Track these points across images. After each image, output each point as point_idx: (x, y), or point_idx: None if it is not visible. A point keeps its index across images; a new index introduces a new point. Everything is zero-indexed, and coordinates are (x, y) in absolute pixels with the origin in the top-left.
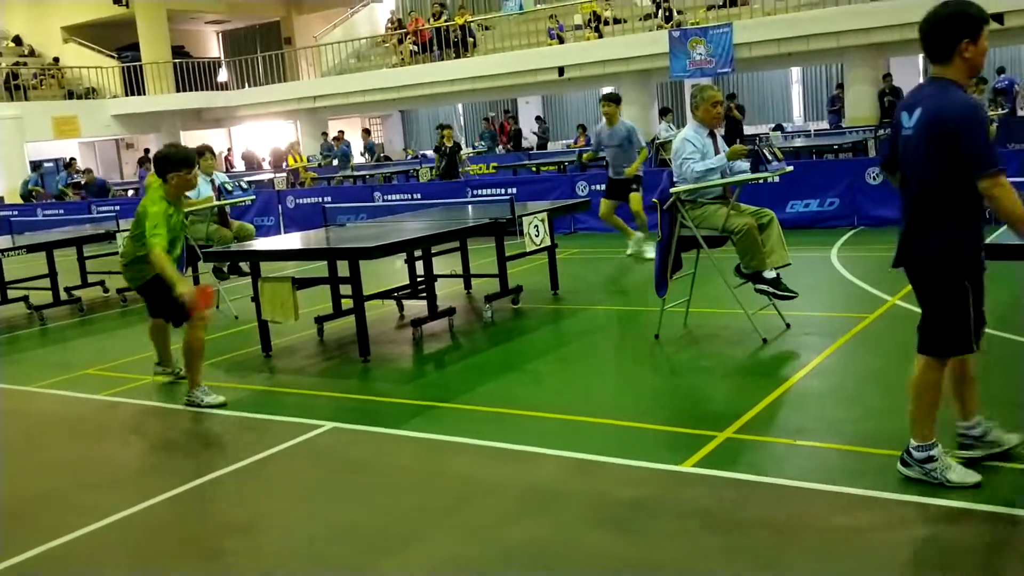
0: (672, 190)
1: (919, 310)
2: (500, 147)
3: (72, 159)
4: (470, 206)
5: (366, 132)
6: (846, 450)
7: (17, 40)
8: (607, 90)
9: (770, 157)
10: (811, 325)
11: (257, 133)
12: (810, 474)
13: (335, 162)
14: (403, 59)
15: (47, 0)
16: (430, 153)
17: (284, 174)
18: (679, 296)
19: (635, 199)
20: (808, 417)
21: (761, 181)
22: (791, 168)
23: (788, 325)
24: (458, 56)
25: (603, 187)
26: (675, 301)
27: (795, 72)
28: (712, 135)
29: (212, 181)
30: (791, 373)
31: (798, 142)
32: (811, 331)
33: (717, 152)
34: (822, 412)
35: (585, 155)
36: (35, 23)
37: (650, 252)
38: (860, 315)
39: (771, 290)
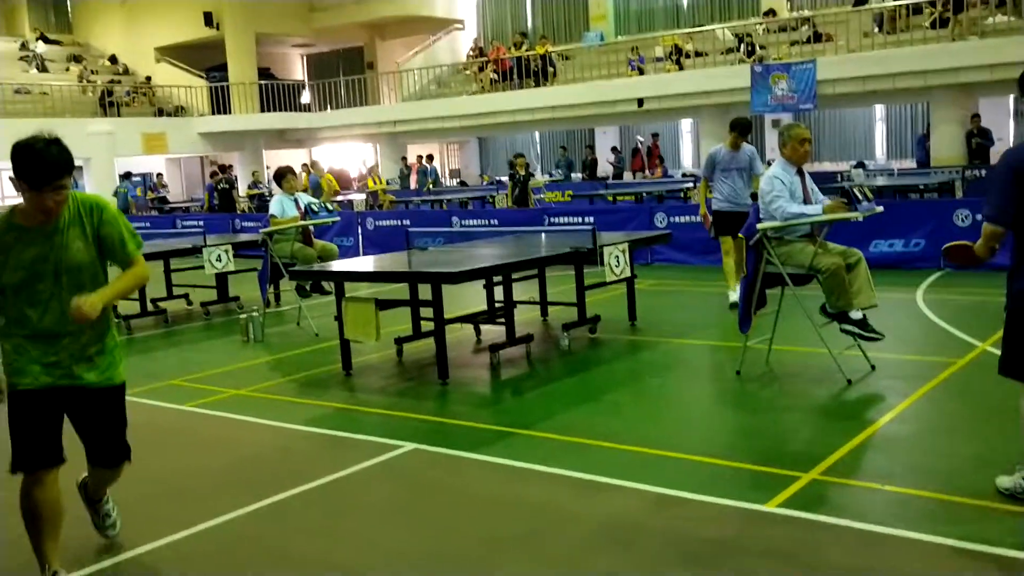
0: (759, 226)
1: None
2: (577, 175)
3: (159, 174)
4: (547, 234)
5: (429, 158)
6: (935, 498)
7: (113, 59)
8: (686, 122)
9: (860, 197)
10: (897, 368)
11: (336, 154)
12: (897, 521)
13: (414, 184)
14: (483, 87)
15: (143, 21)
16: (505, 179)
17: (363, 196)
18: (762, 333)
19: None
20: (895, 462)
21: (850, 221)
22: (881, 209)
23: (873, 367)
24: (537, 85)
25: (683, 218)
26: (758, 338)
27: (879, 109)
28: (800, 173)
29: (296, 201)
30: (877, 416)
31: (880, 181)
32: (897, 374)
33: (805, 190)
34: (910, 458)
35: (698, 186)
36: (130, 43)
37: (733, 296)
38: (948, 360)
39: (857, 331)
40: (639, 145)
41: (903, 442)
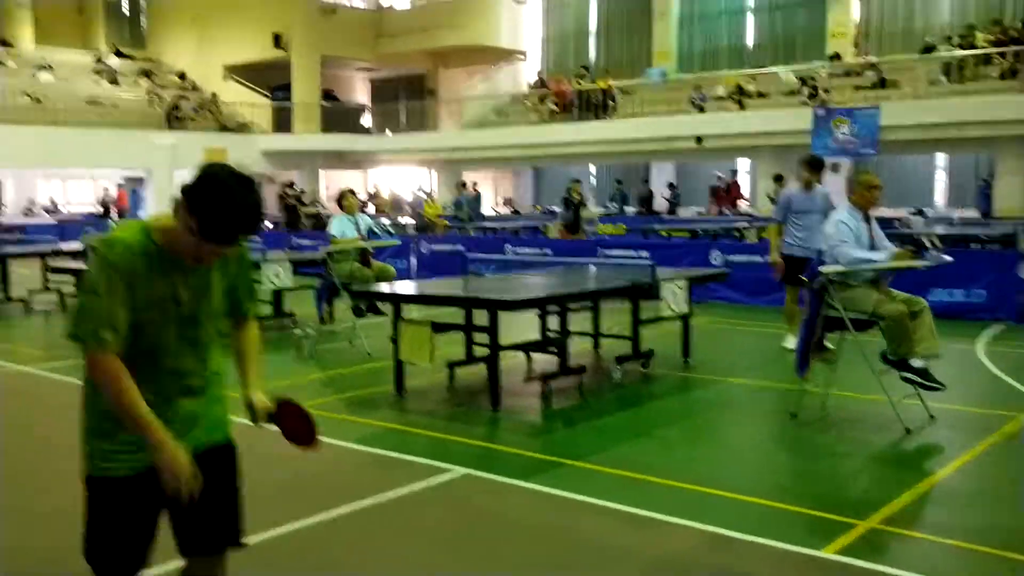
0: (822, 269)
1: None
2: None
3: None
4: (602, 266)
5: (462, 184)
6: (995, 555)
7: (182, 75)
8: (744, 161)
9: (929, 246)
10: (957, 419)
11: (391, 177)
12: None
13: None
14: (543, 118)
15: (213, 40)
16: (557, 208)
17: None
18: (819, 377)
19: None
20: (955, 516)
21: (917, 269)
22: (950, 259)
23: (933, 417)
24: (597, 118)
25: (739, 257)
26: (815, 382)
27: (940, 157)
28: (867, 218)
29: (357, 223)
30: (936, 467)
31: (939, 229)
32: (957, 425)
33: (872, 236)
34: (970, 512)
35: (770, 227)
36: (200, 60)
37: (790, 343)
38: (1011, 413)
39: (918, 380)
40: (718, 182)
41: (963, 495)
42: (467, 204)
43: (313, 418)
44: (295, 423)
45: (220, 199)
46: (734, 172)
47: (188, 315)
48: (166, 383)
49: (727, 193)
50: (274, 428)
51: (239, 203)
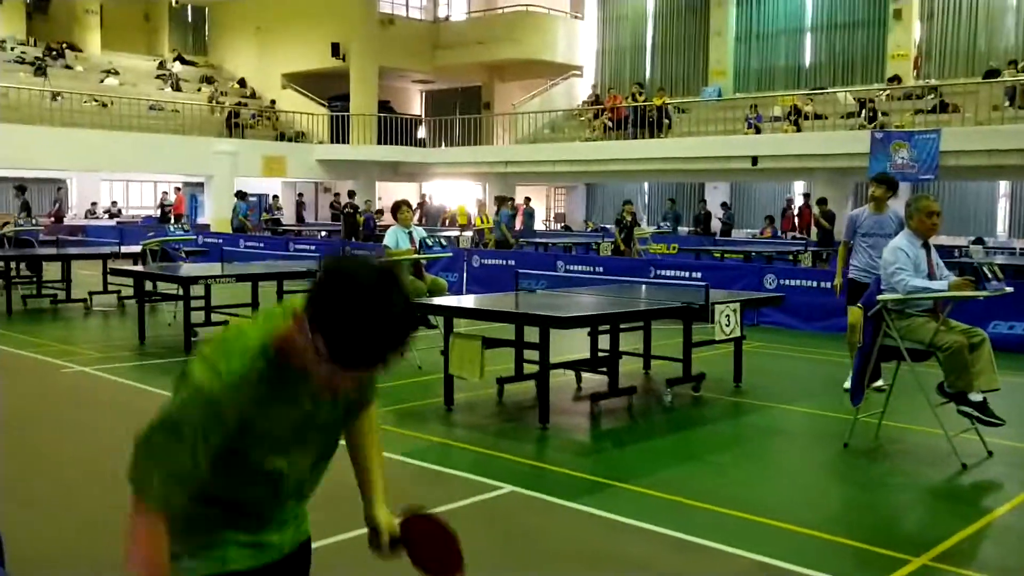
0: (879, 298)
1: None
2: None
3: (275, 196)
4: (653, 286)
5: (501, 199)
6: None
7: (242, 82)
8: (800, 185)
9: (990, 275)
10: (1016, 456)
11: (444, 190)
12: None
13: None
14: (596, 134)
15: (273, 48)
16: (610, 227)
17: (470, 233)
18: (874, 407)
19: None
20: (1012, 555)
21: (977, 299)
22: (1011, 289)
23: (991, 453)
24: (651, 136)
25: (794, 282)
26: (869, 411)
27: (1003, 184)
28: (926, 246)
29: (411, 234)
30: (994, 505)
31: (1000, 259)
32: (1016, 462)
33: (931, 264)
34: None
35: (839, 249)
36: (260, 68)
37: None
38: None
39: (976, 414)
40: (790, 205)
41: (1021, 534)
42: (507, 221)
43: (457, 538)
44: (431, 545)
45: (359, 313)
46: (807, 196)
47: (320, 428)
48: (282, 487)
49: (799, 217)
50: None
51: (386, 315)
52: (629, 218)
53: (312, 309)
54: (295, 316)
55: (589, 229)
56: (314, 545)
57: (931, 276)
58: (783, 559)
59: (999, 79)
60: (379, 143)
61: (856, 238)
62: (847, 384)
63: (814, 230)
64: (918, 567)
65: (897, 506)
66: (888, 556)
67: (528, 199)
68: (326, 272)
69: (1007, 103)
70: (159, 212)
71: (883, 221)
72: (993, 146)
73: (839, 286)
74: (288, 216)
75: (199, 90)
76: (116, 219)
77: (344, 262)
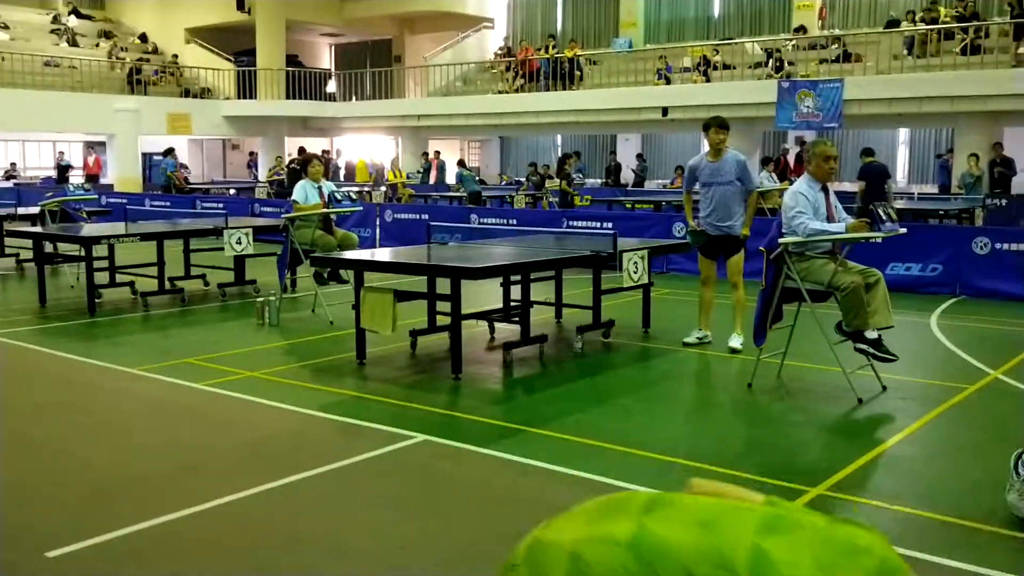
0: (780, 240)
1: (1022, 385)
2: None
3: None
4: (565, 237)
5: (423, 155)
6: (942, 520)
7: (143, 37)
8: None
9: (884, 217)
10: (908, 390)
11: (356, 145)
12: (905, 542)
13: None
14: (509, 86)
15: (176, 3)
16: (523, 178)
17: (382, 188)
18: (776, 347)
19: (736, 262)
20: (904, 483)
21: (870, 241)
22: (904, 230)
23: (885, 388)
24: (564, 88)
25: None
26: (771, 352)
27: (902, 132)
28: (824, 190)
29: (320, 189)
30: (886, 436)
31: (899, 204)
32: (908, 396)
33: (829, 207)
34: (918, 480)
35: (684, 198)
36: (162, 23)
37: (736, 342)
38: (959, 385)
39: (871, 351)
40: (783, 154)
41: (912, 463)
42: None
43: None
44: None
45: None
46: (803, 143)
47: None
48: None
49: (776, 166)
50: None
51: None
52: (571, 170)
53: None
54: None
55: (504, 182)
56: (232, 496)
57: (830, 219)
58: None
59: (899, 29)
60: (288, 98)
61: (698, 187)
62: (687, 339)
63: None
64: (815, 496)
65: (797, 441)
66: (787, 488)
67: (438, 152)
68: None
69: (906, 53)
70: (56, 172)
71: (721, 167)
72: (894, 95)
73: (696, 227)
74: (195, 175)
75: (97, 45)
76: (13, 180)
77: None
